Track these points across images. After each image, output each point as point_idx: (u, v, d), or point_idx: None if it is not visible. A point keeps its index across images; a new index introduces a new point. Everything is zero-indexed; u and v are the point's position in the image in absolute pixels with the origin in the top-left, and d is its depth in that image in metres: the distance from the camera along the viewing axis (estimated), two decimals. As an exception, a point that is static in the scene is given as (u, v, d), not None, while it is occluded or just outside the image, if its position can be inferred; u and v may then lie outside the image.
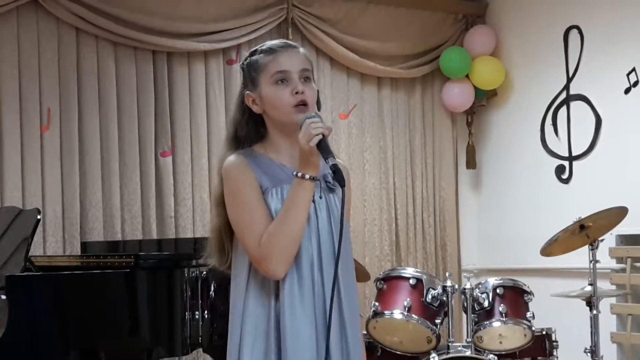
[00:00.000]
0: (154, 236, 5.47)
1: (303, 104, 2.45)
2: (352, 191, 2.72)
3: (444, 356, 4.33)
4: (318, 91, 2.54)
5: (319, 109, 2.53)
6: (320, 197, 2.48)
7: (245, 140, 2.54)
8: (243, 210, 2.42)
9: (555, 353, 4.60)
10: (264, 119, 2.54)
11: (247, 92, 2.52)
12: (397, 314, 4.37)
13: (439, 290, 4.44)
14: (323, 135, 2.35)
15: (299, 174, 2.38)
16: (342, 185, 2.33)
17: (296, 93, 2.44)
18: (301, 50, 2.55)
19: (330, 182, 2.50)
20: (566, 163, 6.07)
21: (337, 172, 2.32)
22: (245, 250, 2.44)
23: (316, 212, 2.46)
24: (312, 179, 2.39)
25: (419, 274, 4.51)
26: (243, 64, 2.58)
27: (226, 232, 2.52)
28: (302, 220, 2.40)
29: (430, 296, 4.41)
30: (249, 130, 2.54)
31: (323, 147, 2.36)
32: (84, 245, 5.22)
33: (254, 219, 2.41)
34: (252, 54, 2.56)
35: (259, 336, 2.42)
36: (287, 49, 2.52)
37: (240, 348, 2.43)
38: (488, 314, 4.48)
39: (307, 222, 2.43)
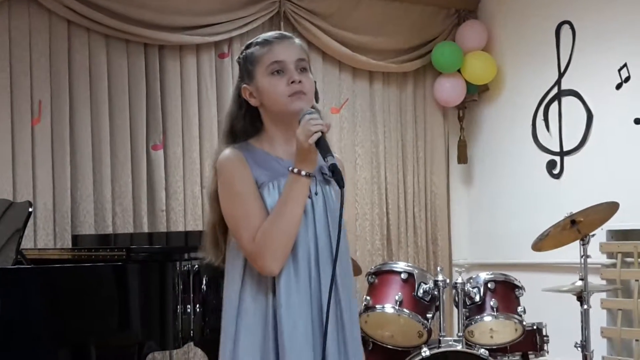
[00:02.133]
0: (145, 229, 5.47)
1: (301, 93, 2.43)
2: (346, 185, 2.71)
3: (435, 350, 4.34)
4: (315, 82, 2.52)
5: (317, 100, 2.50)
6: (316, 194, 2.45)
7: (241, 135, 2.52)
8: (238, 205, 2.40)
9: (545, 347, 4.61)
10: (260, 113, 2.52)
11: (244, 85, 2.50)
12: (389, 308, 4.37)
13: (431, 284, 4.44)
14: (322, 133, 2.32)
15: (295, 170, 2.36)
16: (342, 186, 2.30)
17: (292, 82, 2.42)
18: (297, 40, 2.53)
19: (326, 174, 2.47)
20: (557, 158, 6.08)
21: (336, 172, 2.29)
22: (240, 245, 2.41)
23: (313, 206, 2.44)
24: (308, 175, 2.37)
25: (411, 269, 4.51)
26: (239, 57, 2.55)
27: (220, 227, 2.49)
28: (298, 217, 2.37)
29: (421, 290, 4.42)
30: (246, 124, 2.52)
31: (322, 145, 2.32)
32: (75, 239, 5.21)
33: (249, 213, 2.38)
34: (248, 46, 2.53)
35: (256, 331, 2.39)
36: (282, 39, 2.50)
37: (236, 343, 2.40)
38: (479, 308, 4.49)
39: (304, 216, 2.40)
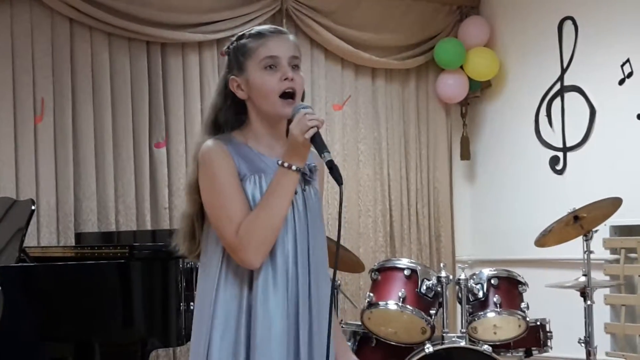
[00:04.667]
0: (148, 227, 5.47)
1: (291, 93, 2.40)
2: (328, 183, 2.67)
3: (439, 347, 4.33)
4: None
5: (302, 99, 2.46)
6: (304, 190, 2.43)
7: (224, 126, 2.47)
8: (220, 197, 2.36)
9: (549, 343, 4.61)
10: (246, 106, 2.47)
11: (232, 76, 2.45)
12: (392, 304, 4.37)
13: (434, 281, 4.43)
14: (317, 128, 2.30)
15: (285, 164, 2.33)
16: (340, 183, 2.27)
17: (285, 79, 2.39)
18: (291, 37, 2.49)
19: (307, 174, 2.44)
20: (560, 154, 6.08)
21: (333, 168, 2.26)
22: (221, 238, 2.37)
23: (293, 205, 2.41)
24: (298, 170, 2.34)
25: (414, 265, 4.51)
26: (229, 47, 2.50)
27: (198, 219, 2.46)
28: (284, 211, 2.34)
29: (424, 287, 4.41)
30: (229, 116, 2.47)
31: (318, 141, 2.30)
32: (78, 236, 5.22)
33: (232, 206, 2.34)
34: (240, 38, 2.48)
35: (229, 327, 2.36)
36: (277, 34, 2.46)
37: (210, 339, 2.36)
38: (482, 304, 4.48)
39: None
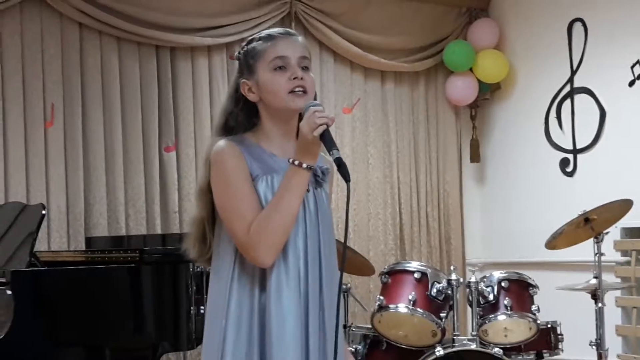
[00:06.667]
0: (158, 231, 5.48)
1: (302, 91, 2.40)
2: (338, 186, 2.67)
3: (449, 350, 4.32)
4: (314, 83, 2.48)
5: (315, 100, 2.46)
6: (308, 191, 2.42)
7: (236, 129, 2.48)
8: (233, 196, 2.37)
9: (560, 346, 4.59)
10: (257, 109, 2.48)
11: (243, 80, 2.46)
12: (402, 307, 4.36)
13: (444, 283, 4.43)
14: (326, 126, 2.30)
15: (296, 162, 2.33)
16: (347, 180, 2.27)
17: (294, 78, 2.40)
18: (300, 38, 2.50)
19: (319, 176, 2.45)
20: (570, 156, 6.07)
21: (342, 165, 2.26)
22: (233, 237, 2.37)
23: (304, 204, 2.41)
24: (309, 168, 2.34)
25: (424, 268, 4.50)
26: (239, 52, 2.51)
27: (209, 223, 2.46)
28: (295, 209, 2.35)
29: (435, 290, 4.40)
30: (241, 119, 2.48)
31: (327, 139, 2.29)
32: (89, 241, 5.22)
33: (243, 205, 2.35)
34: (250, 42, 2.50)
35: (243, 327, 2.36)
36: (286, 36, 2.47)
37: (224, 341, 2.36)
38: (493, 307, 4.47)
39: None
